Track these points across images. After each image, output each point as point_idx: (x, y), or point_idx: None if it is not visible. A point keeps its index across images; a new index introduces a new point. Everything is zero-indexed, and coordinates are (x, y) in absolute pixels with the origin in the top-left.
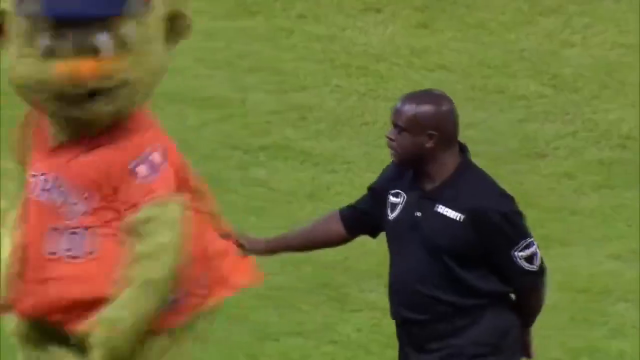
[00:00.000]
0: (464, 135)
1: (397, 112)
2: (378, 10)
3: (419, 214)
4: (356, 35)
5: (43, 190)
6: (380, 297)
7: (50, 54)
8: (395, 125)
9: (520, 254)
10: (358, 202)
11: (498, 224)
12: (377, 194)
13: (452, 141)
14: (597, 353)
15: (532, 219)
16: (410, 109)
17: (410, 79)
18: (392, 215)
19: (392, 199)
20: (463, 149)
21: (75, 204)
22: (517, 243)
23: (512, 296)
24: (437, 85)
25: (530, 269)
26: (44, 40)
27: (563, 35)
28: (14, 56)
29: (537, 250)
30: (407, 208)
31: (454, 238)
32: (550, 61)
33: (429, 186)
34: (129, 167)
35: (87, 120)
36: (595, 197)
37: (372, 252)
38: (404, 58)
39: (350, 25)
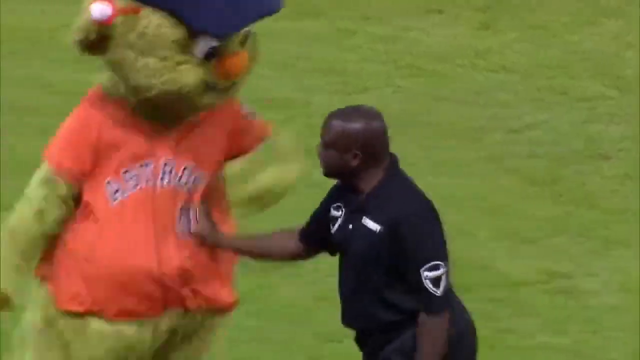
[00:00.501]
0: (526, 137)
1: (325, 127)
2: (440, 12)
3: (350, 226)
4: (419, 36)
5: (165, 175)
6: None
7: (212, 56)
8: (322, 138)
9: (427, 274)
10: (311, 216)
11: (409, 236)
12: (323, 207)
13: (379, 158)
14: None
15: (594, 220)
16: (337, 125)
17: (472, 80)
18: (333, 229)
19: (333, 212)
20: (393, 160)
21: (195, 181)
22: (427, 261)
23: None
24: (500, 86)
25: (433, 294)
26: (205, 46)
27: (625, 37)
28: (162, 65)
29: (445, 277)
30: (344, 221)
31: (373, 249)
32: (613, 63)
33: (358, 199)
34: (241, 112)
35: (210, 106)
36: None
37: None
38: (467, 59)
39: (413, 26)
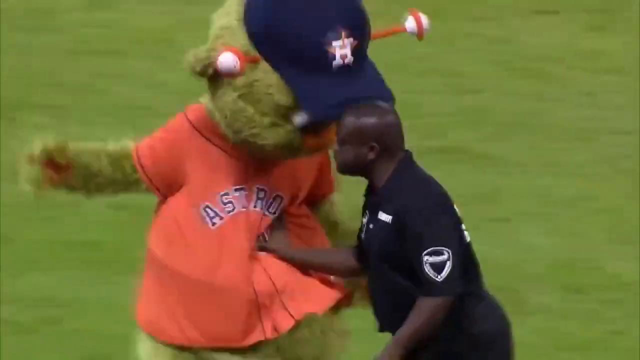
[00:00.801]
0: (637, 140)
1: (340, 126)
2: (554, 13)
3: (371, 226)
4: (531, 37)
5: (258, 201)
6: (554, 300)
7: (307, 129)
8: (337, 137)
9: (428, 258)
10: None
11: (414, 222)
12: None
13: (394, 152)
14: None
15: None
16: (352, 121)
17: (584, 81)
18: (362, 236)
19: (362, 220)
20: (407, 155)
21: (281, 208)
22: (429, 246)
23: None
24: (611, 88)
25: (432, 279)
26: (304, 118)
27: None
28: (258, 119)
29: (450, 264)
30: (367, 225)
31: (388, 243)
32: None
33: (374, 196)
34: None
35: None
36: None
37: (544, 255)
38: (579, 61)
39: (526, 27)
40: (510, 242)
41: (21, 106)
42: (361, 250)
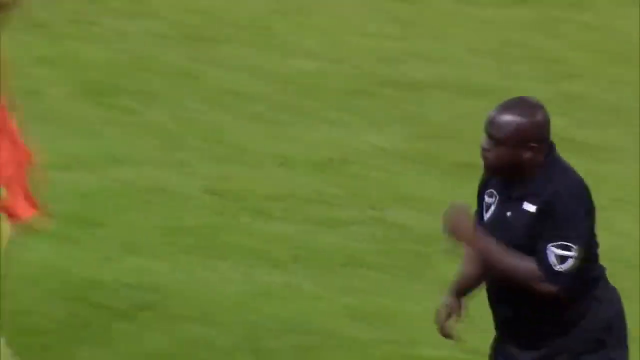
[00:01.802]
0: None
1: (495, 125)
2: None
3: (509, 213)
4: (628, 25)
5: None
6: None
7: None
8: (492, 137)
9: (555, 250)
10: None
11: (562, 207)
12: (479, 197)
13: (546, 148)
14: None
15: None
16: (509, 122)
17: None
18: (486, 215)
19: (486, 199)
20: (552, 146)
21: None
22: (559, 239)
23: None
24: None
25: (552, 265)
26: None
27: None
28: None
29: (574, 261)
30: (500, 208)
31: (529, 232)
32: None
33: (518, 186)
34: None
35: None
36: None
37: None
38: None
39: (622, 14)
40: (605, 229)
41: (116, 91)
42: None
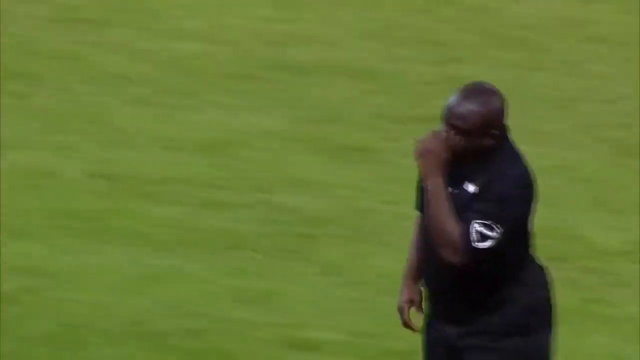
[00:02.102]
0: (618, 108)
1: (458, 115)
2: None
3: (451, 190)
4: (513, 6)
5: None
6: None
7: None
8: (454, 127)
9: (478, 227)
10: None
11: (493, 192)
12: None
13: (504, 132)
14: None
15: None
16: (472, 112)
17: (566, 50)
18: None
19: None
20: (506, 130)
21: None
22: (485, 218)
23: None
24: (593, 56)
25: (471, 242)
26: None
27: None
28: None
29: (493, 242)
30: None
31: (463, 209)
32: None
33: (467, 166)
34: None
35: None
36: None
37: None
38: (560, 30)
39: None
40: None
41: (1, 75)
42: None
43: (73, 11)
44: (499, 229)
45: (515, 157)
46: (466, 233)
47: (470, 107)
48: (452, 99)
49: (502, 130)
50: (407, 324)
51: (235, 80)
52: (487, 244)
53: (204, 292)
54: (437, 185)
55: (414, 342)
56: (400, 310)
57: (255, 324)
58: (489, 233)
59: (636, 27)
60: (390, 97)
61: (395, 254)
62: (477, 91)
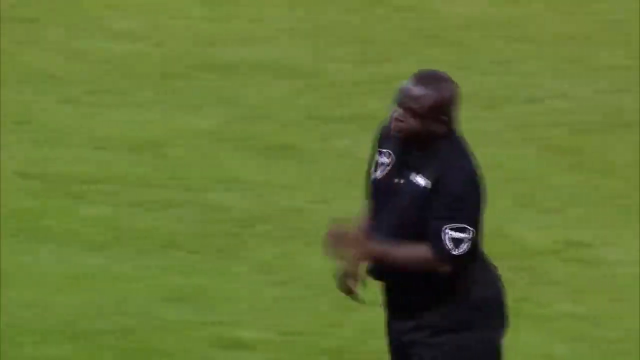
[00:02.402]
0: (547, 106)
1: (411, 97)
2: None
3: (401, 180)
4: (441, 6)
5: None
6: None
7: None
8: (407, 108)
9: (451, 232)
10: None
11: (452, 191)
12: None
13: (452, 122)
14: None
15: (614, 189)
16: (426, 95)
17: (494, 49)
18: (376, 174)
19: (381, 158)
20: (455, 123)
21: None
22: (454, 221)
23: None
24: (522, 56)
25: (448, 249)
26: None
27: None
28: None
29: (468, 245)
30: (393, 172)
31: (419, 204)
32: (633, 32)
33: (417, 157)
34: None
35: None
36: None
37: None
38: (490, 29)
39: None
40: None
41: None
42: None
43: (8, 10)
44: (470, 227)
45: (463, 149)
46: (439, 243)
47: (424, 90)
48: (407, 82)
49: (452, 119)
50: (343, 287)
51: (167, 80)
52: (463, 247)
53: (136, 291)
54: (379, 253)
55: (345, 339)
56: (339, 280)
57: (187, 323)
58: (462, 235)
59: (564, 27)
60: (320, 97)
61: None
62: (431, 77)
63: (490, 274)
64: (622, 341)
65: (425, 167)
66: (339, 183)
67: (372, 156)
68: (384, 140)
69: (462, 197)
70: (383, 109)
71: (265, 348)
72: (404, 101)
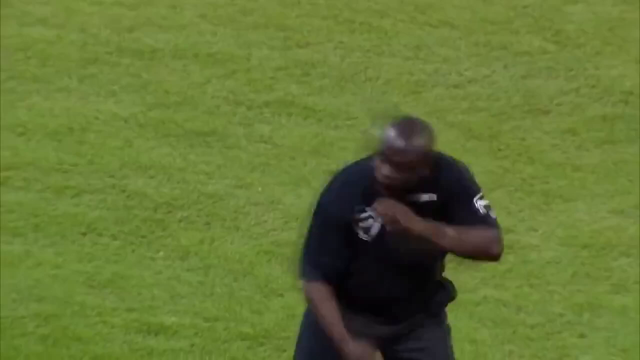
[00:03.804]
0: (466, 92)
1: (402, 153)
2: None
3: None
4: None
5: None
6: None
7: None
8: (399, 165)
9: (480, 202)
10: (325, 252)
11: (462, 179)
12: (340, 225)
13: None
14: (599, 308)
15: (534, 174)
16: (414, 147)
17: (413, 35)
18: (371, 236)
19: (363, 224)
20: None
21: None
22: (478, 192)
23: None
24: (441, 41)
25: (489, 216)
26: None
27: None
28: None
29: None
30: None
31: (438, 215)
32: (553, 17)
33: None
34: None
35: None
36: (598, 153)
37: None
38: (408, 14)
39: None
40: None
41: None
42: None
43: None
44: (490, 207)
45: (449, 163)
46: (487, 220)
47: (410, 142)
48: (388, 134)
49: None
50: None
51: (84, 66)
52: (493, 211)
53: (56, 277)
54: (433, 229)
55: (261, 325)
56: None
57: (107, 309)
58: (487, 202)
59: (482, 12)
60: (240, 82)
61: (245, 239)
62: (410, 125)
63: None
64: (543, 325)
65: (425, 189)
66: (258, 168)
67: (332, 237)
68: (349, 212)
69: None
70: (302, 93)
71: (185, 333)
72: (396, 159)
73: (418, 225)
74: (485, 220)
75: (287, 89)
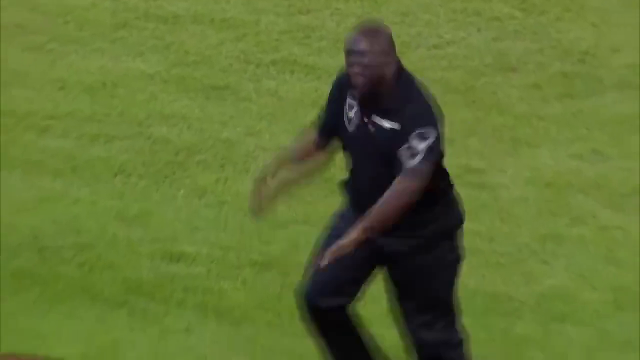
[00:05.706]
0: (445, 52)
1: (362, 51)
2: None
3: (372, 128)
4: None
5: None
6: None
7: None
8: (361, 64)
9: (415, 140)
10: (323, 111)
11: (418, 126)
12: (335, 100)
13: (398, 61)
14: (560, 239)
15: (503, 124)
16: (372, 47)
17: (401, 2)
18: (349, 127)
19: (350, 112)
20: (400, 63)
21: None
22: (419, 126)
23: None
24: (424, 8)
25: (419, 162)
26: None
27: None
28: None
29: (430, 152)
30: (362, 122)
31: (393, 142)
32: None
33: (378, 103)
34: None
35: None
36: (559, 105)
37: None
38: None
39: None
40: None
41: None
42: (324, 126)
43: None
44: (433, 133)
45: (414, 85)
46: (405, 162)
47: (369, 43)
48: (352, 39)
49: (396, 58)
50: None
51: (116, 30)
52: (433, 155)
53: (91, 213)
54: (366, 229)
55: (268, 254)
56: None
57: (135, 240)
58: (422, 145)
59: None
60: (250, 44)
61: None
62: (370, 29)
63: (458, 199)
64: (512, 254)
65: (389, 112)
66: (266, 118)
67: (331, 105)
68: (345, 90)
69: (423, 109)
70: (305, 54)
71: (202, 261)
72: (357, 58)
73: (353, 240)
74: (409, 165)
75: (290, 49)
